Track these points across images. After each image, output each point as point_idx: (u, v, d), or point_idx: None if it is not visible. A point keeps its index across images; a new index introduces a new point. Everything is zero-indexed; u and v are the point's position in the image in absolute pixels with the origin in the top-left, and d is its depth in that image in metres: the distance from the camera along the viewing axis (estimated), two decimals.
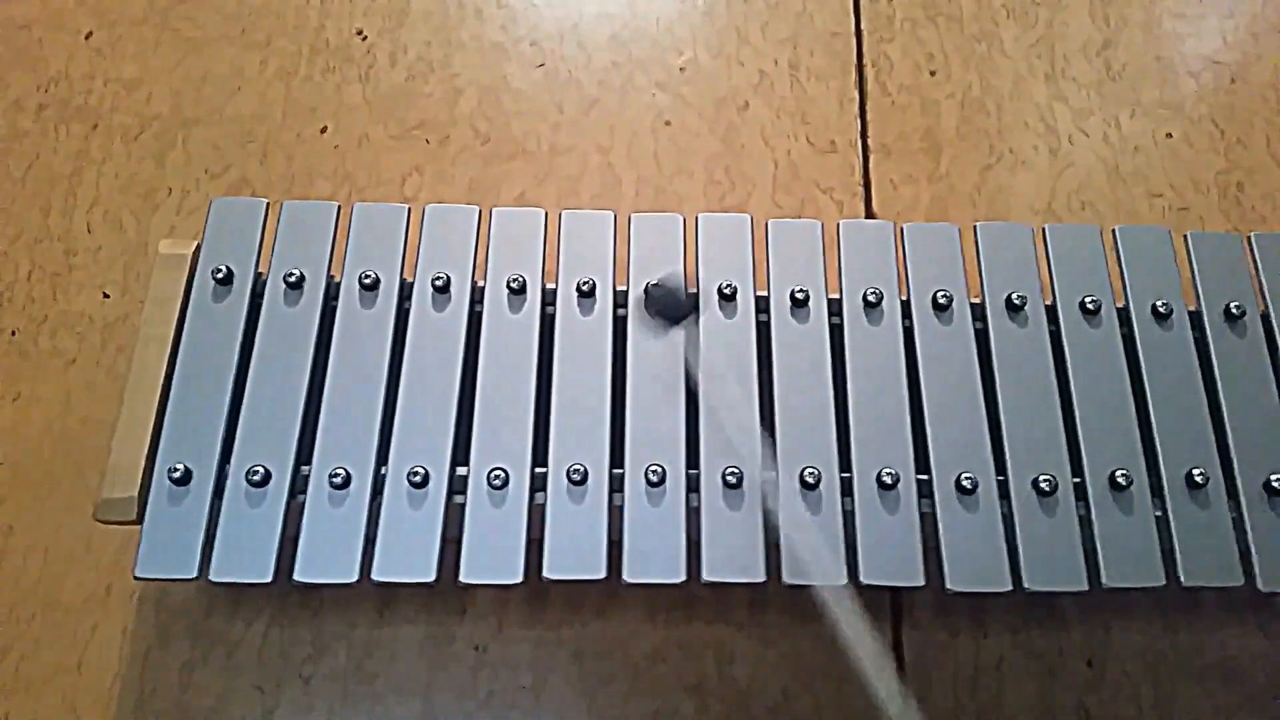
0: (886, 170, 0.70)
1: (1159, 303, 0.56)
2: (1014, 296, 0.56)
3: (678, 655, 0.56)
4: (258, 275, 0.56)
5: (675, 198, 0.69)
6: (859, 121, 0.72)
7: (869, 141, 0.71)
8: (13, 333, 0.65)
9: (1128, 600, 0.58)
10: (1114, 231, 0.59)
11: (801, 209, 0.69)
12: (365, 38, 0.74)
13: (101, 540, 0.59)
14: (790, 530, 0.50)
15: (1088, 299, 0.56)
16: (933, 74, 0.74)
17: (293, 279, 0.55)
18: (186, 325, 0.54)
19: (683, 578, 0.49)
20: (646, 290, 0.54)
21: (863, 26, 0.76)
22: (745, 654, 0.56)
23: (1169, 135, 0.73)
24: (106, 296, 0.66)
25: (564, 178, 0.70)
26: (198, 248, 0.56)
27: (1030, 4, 0.78)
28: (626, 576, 0.49)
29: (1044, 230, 0.58)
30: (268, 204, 0.57)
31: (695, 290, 0.55)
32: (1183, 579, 0.50)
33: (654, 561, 0.50)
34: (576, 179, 0.70)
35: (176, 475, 0.50)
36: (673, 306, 0.53)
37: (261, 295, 0.55)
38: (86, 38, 0.75)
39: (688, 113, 0.72)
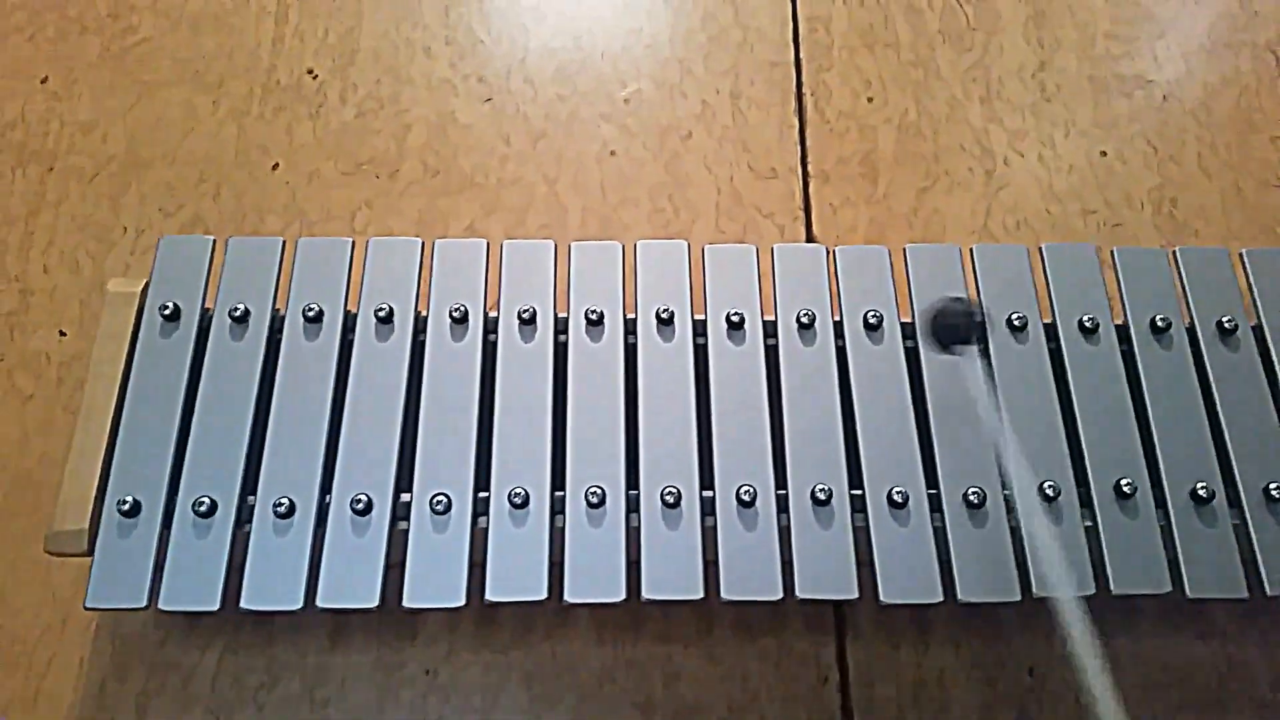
0: (826, 195, 0.72)
1: (1085, 318, 0.58)
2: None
3: (626, 674, 0.57)
4: (204, 311, 0.57)
5: (621, 226, 0.71)
6: (799, 148, 0.74)
7: (809, 167, 0.73)
8: None
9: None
10: (1040, 249, 0.60)
11: (744, 234, 0.70)
12: (316, 77, 0.76)
13: (57, 574, 0.59)
14: (728, 547, 0.51)
15: (1015, 316, 0.58)
16: (870, 100, 0.76)
17: (238, 313, 0.56)
18: (135, 361, 0.55)
19: (623, 596, 0.50)
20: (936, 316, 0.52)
21: (802, 56, 0.78)
22: (692, 672, 0.57)
23: (1103, 153, 0.76)
24: (63, 335, 0.67)
25: (511, 209, 0.72)
26: (146, 285, 0.57)
27: (966, 29, 0.80)
28: (568, 596, 0.50)
29: (972, 250, 0.60)
30: (214, 241, 0.58)
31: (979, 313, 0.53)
32: (1112, 586, 0.52)
33: (595, 580, 0.51)
34: (524, 210, 0.72)
35: (125, 507, 0.51)
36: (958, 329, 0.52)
37: (208, 330, 0.56)
38: (42, 82, 0.76)
39: (633, 143, 0.74)
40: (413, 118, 0.75)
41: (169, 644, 0.58)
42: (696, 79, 0.77)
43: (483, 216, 0.71)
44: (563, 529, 0.52)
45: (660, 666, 0.57)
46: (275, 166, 0.72)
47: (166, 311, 0.56)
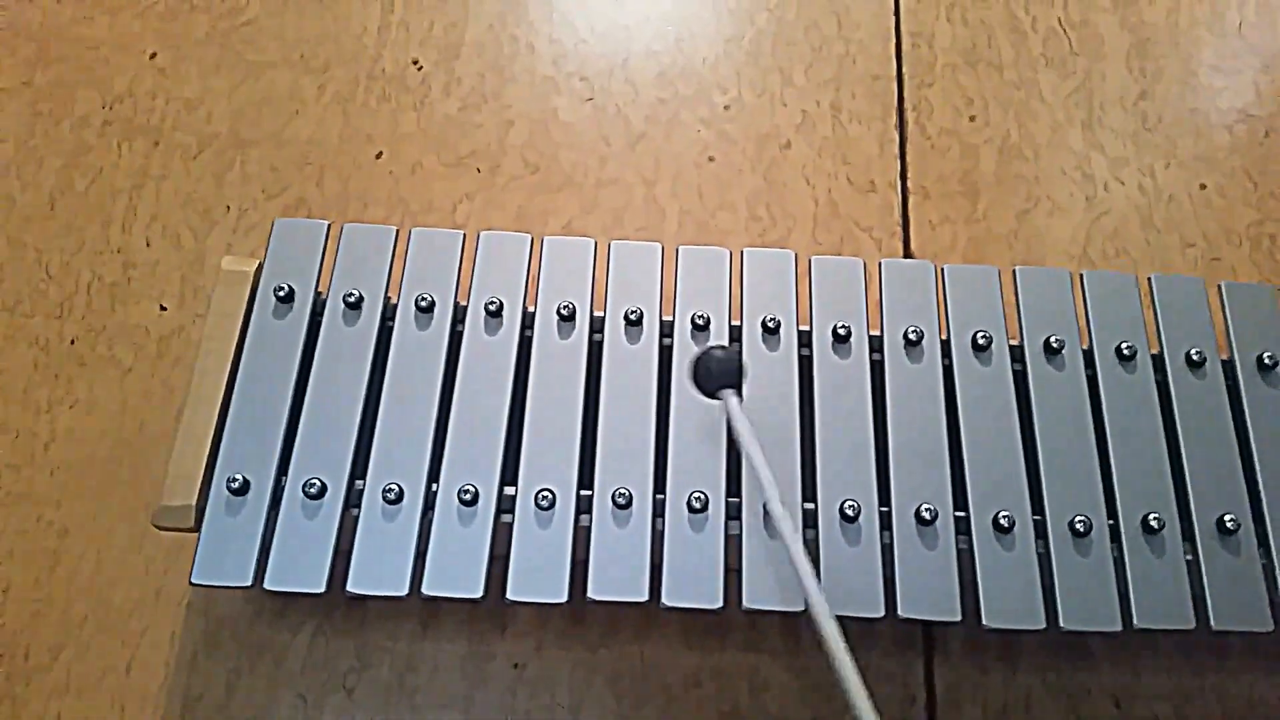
0: (925, 211, 0.72)
1: (1193, 350, 0.58)
2: (1052, 339, 0.57)
3: (712, 681, 0.57)
4: (317, 294, 0.58)
5: (718, 232, 0.71)
6: (899, 163, 0.74)
7: (908, 183, 0.73)
8: (72, 341, 0.67)
9: (1156, 642, 0.59)
10: (1149, 279, 0.60)
11: (841, 247, 0.70)
12: (421, 68, 0.77)
13: (152, 545, 0.60)
14: (831, 561, 0.51)
15: (1124, 344, 0.57)
16: (972, 119, 0.76)
17: (352, 299, 0.56)
18: (248, 340, 0.56)
19: (720, 604, 0.50)
20: (698, 360, 0.52)
21: (904, 71, 0.78)
22: (779, 683, 0.57)
23: (1203, 186, 0.75)
24: (163, 309, 0.68)
25: (609, 209, 0.72)
26: (260, 265, 0.58)
27: (1069, 53, 0.79)
28: (665, 600, 0.51)
29: (1082, 276, 0.59)
30: (329, 225, 0.59)
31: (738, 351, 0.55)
32: (1213, 623, 0.51)
33: (692, 586, 0.51)
34: (621, 211, 0.72)
35: (235, 485, 0.52)
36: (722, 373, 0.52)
37: (321, 314, 0.57)
38: (151, 57, 0.77)
39: (731, 149, 0.74)
40: (515, 114, 0.75)
41: (261, 623, 0.58)
42: (797, 89, 0.77)
43: (581, 215, 0.71)
44: (662, 532, 0.52)
45: (747, 676, 0.57)
46: (379, 155, 0.73)
47: (281, 293, 0.56)
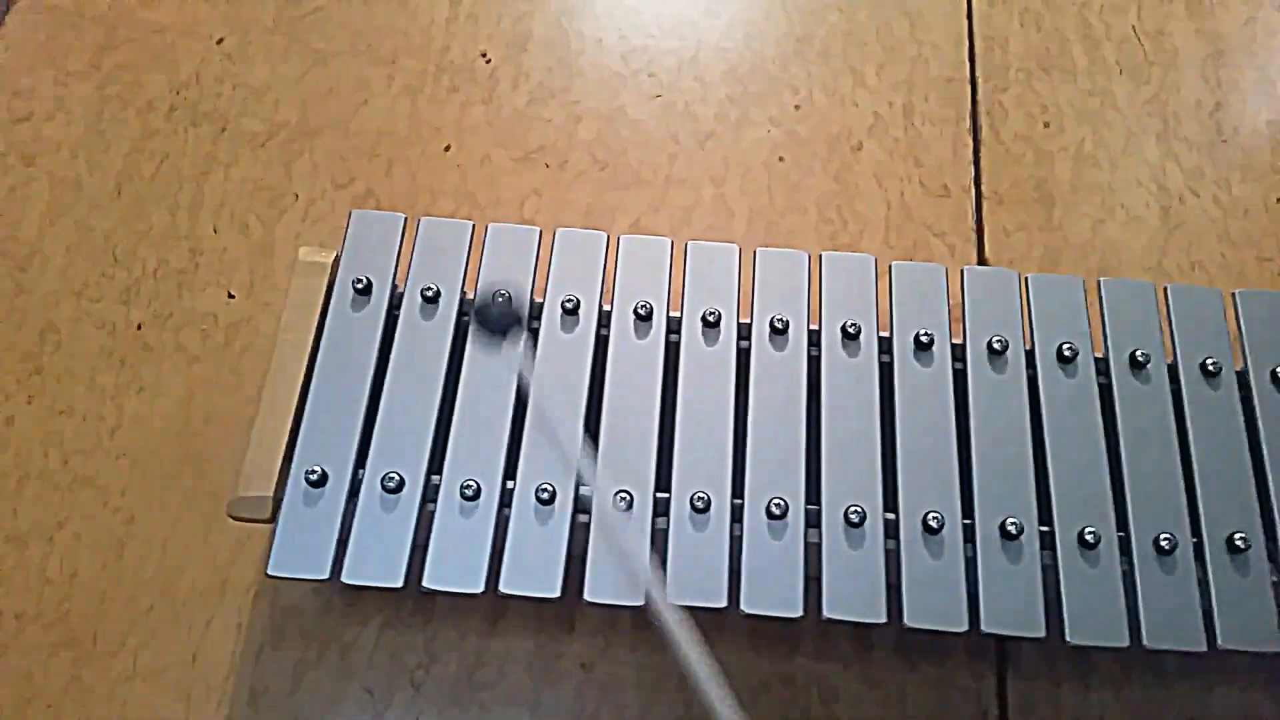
0: (1000, 217, 0.71)
1: (1278, 369, 0.57)
2: (1138, 354, 0.56)
3: (782, 688, 0.56)
4: (394, 287, 0.57)
5: (787, 233, 0.70)
6: (973, 168, 0.73)
7: (982, 188, 0.72)
8: (139, 326, 0.66)
9: (1231, 662, 0.58)
10: (1234, 295, 0.59)
11: (914, 251, 0.69)
12: (489, 60, 0.76)
13: (219, 535, 0.60)
14: (912, 573, 0.51)
15: (1209, 360, 0.56)
16: (1046, 125, 0.75)
17: (429, 293, 0.56)
18: (325, 332, 0.55)
19: (800, 613, 0.50)
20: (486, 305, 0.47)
21: (978, 74, 0.77)
22: (849, 693, 0.56)
23: (1278, 200, 0.74)
24: (231, 297, 0.67)
25: (678, 208, 0.71)
26: (336, 257, 0.58)
27: (1144, 62, 0.78)
28: (744, 607, 0.50)
29: (1166, 289, 0.58)
30: (405, 219, 0.58)
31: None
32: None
33: (772, 593, 0.50)
34: (690, 209, 0.71)
35: (314, 477, 0.51)
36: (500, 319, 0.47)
37: (398, 307, 0.56)
38: (218, 43, 0.77)
39: (801, 150, 0.74)
40: (583, 109, 0.74)
41: (328, 616, 0.58)
42: (869, 90, 0.76)
43: (649, 213, 0.70)
44: (739, 537, 0.52)
45: (817, 684, 0.57)
46: (447, 148, 0.72)
47: (359, 285, 0.56)
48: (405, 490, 0.52)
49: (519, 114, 0.74)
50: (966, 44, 0.78)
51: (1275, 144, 0.76)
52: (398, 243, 0.58)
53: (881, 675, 0.57)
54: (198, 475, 0.62)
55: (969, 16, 0.79)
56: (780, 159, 0.73)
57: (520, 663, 0.57)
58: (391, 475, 0.51)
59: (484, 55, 0.76)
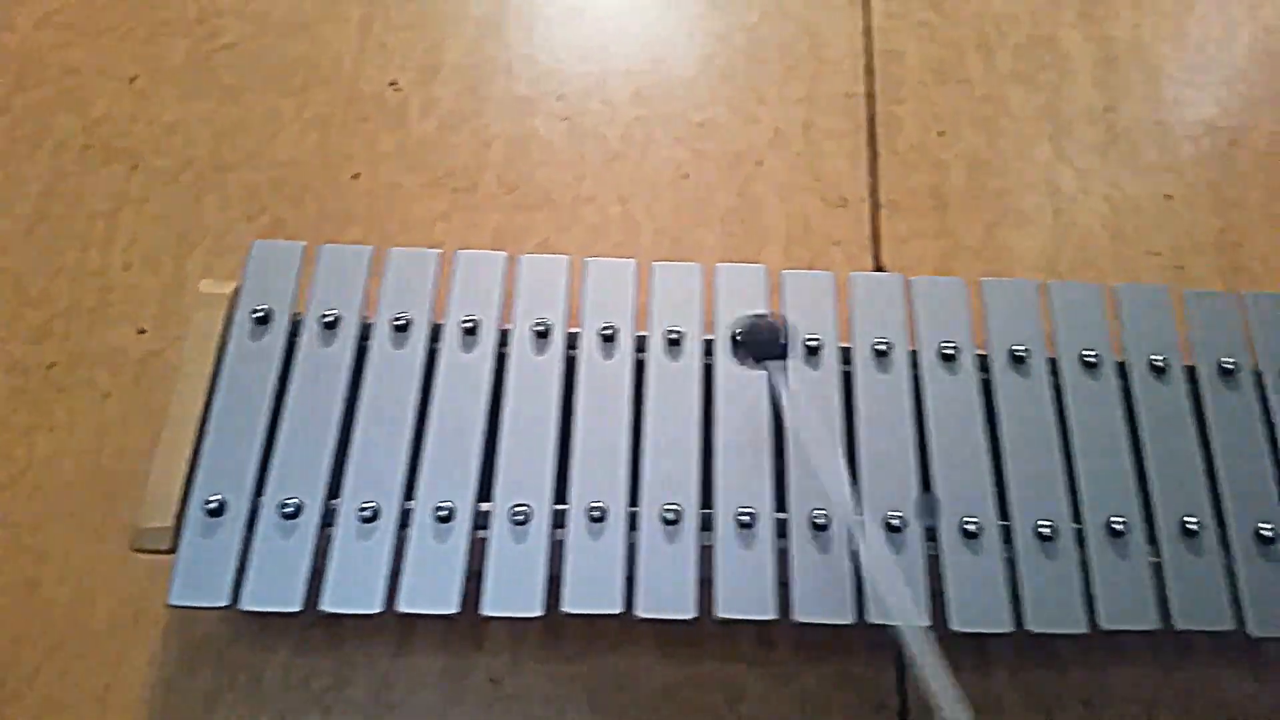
0: (895, 226, 0.73)
1: (1156, 358, 0.59)
2: (1017, 349, 0.58)
3: (689, 691, 0.58)
4: (294, 315, 0.58)
5: (693, 248, 0.72)
6: (870, 178, 0.75)
7: (879, 198, 0.74)
8: (50, 365, 0.67)
9: (1125, 644, 0.59)
10: (1114, 289, 0.61)
11: (814, 261, 0.71)
12: (399, 89, 0.78)
13: (131, 569, 0.60)
14: (800, 569, 0.52)
15: (1087, 353, 0.58)
16: (941, 134, 0.77)
17: (328, 320, 0.57)
18: (225, 362, 0.56)
19: (694, 614, 0.51)
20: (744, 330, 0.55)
21: (875, 88, 0.79)
22: (755, 692, 0.58)
23: (1168, 197, 0.76)
24: (142, 332, 0.68)
25: (586, 227, 0.73)
26: (237, 288, 0.59)
27: (1037, 68, 0.81)
28: (639, 611, 0.51)
29: (1047, 286, 0.60)
30: (305, 247, 0.59)
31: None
32: (1176, 623, 0.52)
33: (666, 597, 0.51)
34: (598, 228, 0.73)
35: (212, 506, 0.52)
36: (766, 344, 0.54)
37: (297, 335, 0.57)
38: (131, 81, 0.78)
39: (706, 167, 0.75)
40: (492, 134, 0.76)
41: (239, 644, 0.58)
42: (770, 107, 0.78)
43: (558, 233, 0.72)
44: (636, 544, 0.53)
45: (722, 685, 0.58)
46: (356, 176, 0.74)
47: (258, 315, 0.57)
48: (303, 515, 0.52)
49: (429, 140, 0.76)
50: (864, 59, 0.80)
51: (1164, 143, 0.79)
52: (297, 271, 0.59)
53: (785, 674, 0.58)
54: (109, 511, 0.62)
55: (867, 33, 0.82)
56: (686, 176, 0.75)
57: (429, 681, 0.57)
58: (289, 501, 0.52)
59: (394, 84, 0.78)
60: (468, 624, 0.59)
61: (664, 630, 0.59)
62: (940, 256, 0.72)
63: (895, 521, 0.53)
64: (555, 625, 0.59)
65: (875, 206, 0.74)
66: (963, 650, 0.59)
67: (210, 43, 0.80)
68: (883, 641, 0.59)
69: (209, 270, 0.70)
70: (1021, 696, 0.58)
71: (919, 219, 0.73)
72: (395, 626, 0.59)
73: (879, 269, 0.72)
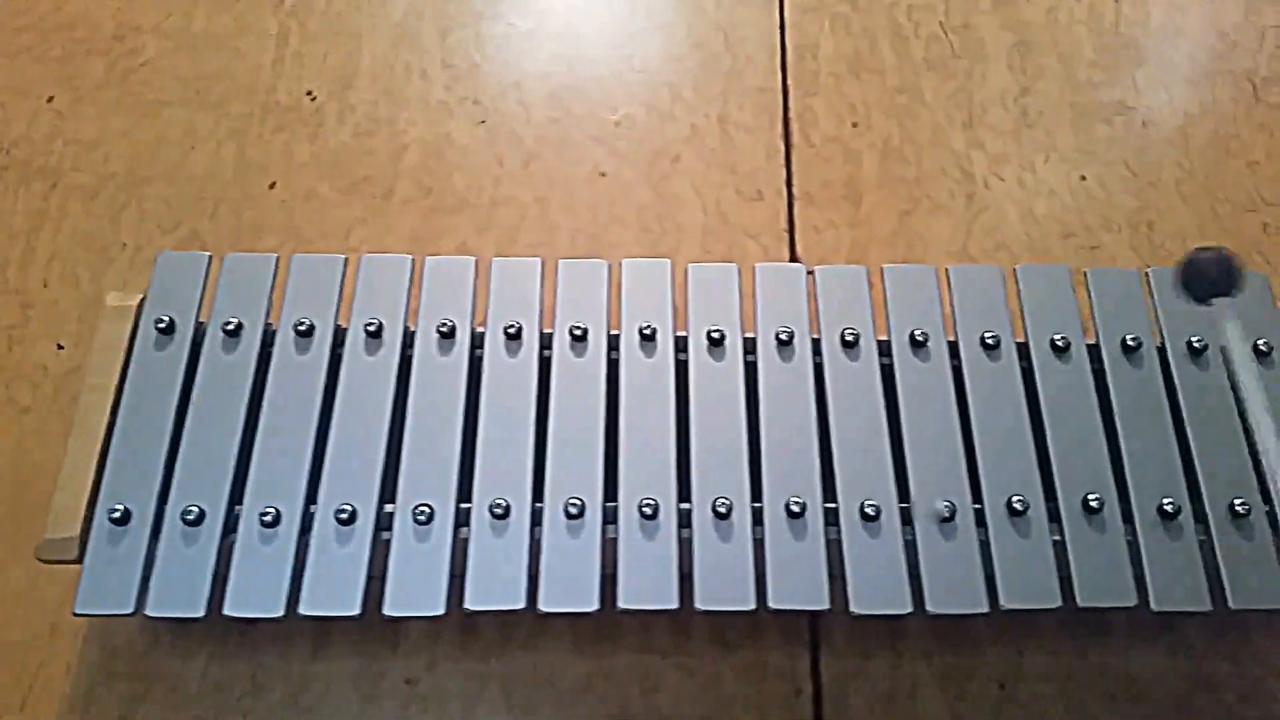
0: (810, 217, 0.74)
1: (1057, 337, 0.59)
2: (918, 333, 0.59)
3: (604, 684, 0.58)
4: (199, 325, 0.59)
5: (610, 246, 0.72)
6: (785, 171, 0.75)
7: (794, 190, 0.75)
8: None
9: (1038, 624, 0.60)
10: (1015, 270, 0.62)
11: (729, 254, 0.72)
12: (315, 98, 0.78)
13: (47, 582, 0.61)
14: (704, 558, 0.53)
15: (988, 335, 0.59)
16: (855, 125, 0.78)
17: (230, 327, 0.57)
18: (129, 373, 0.57)
19: (597, 606, 0.51)
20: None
21: (789, 82, 0.80)
22: (669, 683, 0.58)
23: (1082, 178, 0.77)
24: (61, 348, 0.68)
25: (503, 228, 0.73)
26: (142, 299, 0.59)
27: (951, 57, 0.82)
28: (543, 605, 0.52)
29: (949, 271, 0.61)
30: (210, 256, 0.60)
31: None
32: (1079, 600, 0.53)
33: (571, 590, 0.52)
34: (515, 229, 0.73)
35: (116, 515, 0.52)
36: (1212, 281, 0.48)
37: (201, 344, 0.58)
38: (48, 101, 0.78)
39: (623, 165, 0.76)
40: (409, 139, 0.76)
41: (155, 652, 0.59)
42: (686, 104, 0.79)
43: (475, 235, 0.72)
44: (539, 540, 0.53)
45: (638, 677, 0.58)
46: (272, 185, 0.74)
47: (162, 325, 0.57)
48: (206, 522, 0.53)
49: (345, 148, 0.76)
50: (779, 54, 0.81)
51: (1078, 125, 0.79)
52: (202, 281, 0.59)
53: (699, 664, 0.59)
54: (26, 524, 0.62)
55: (781, 28, 0.82)
56: (602, 174, 0.76)
57: (345, 683, 0.58)
58: (191, 509, 0.53)
59: (310, 94, 0.78)
60: (383, 626, 0.59)
61: (579, 626, 0.59)
62: (854, 246, 0.73)
63: (795, 507, 0.53)
64: (471, 625, 0.59)
65: (790, 199, 0.74)
66: (876, 633, 0.59)
67: (129, 60, 0.80)
68: (797, 628, 0.60)
69: (126, 285, 0.71)
70: (937, 678, 0.59)
71: (834, 209, 0.74)
72: (311, 631, 0.59)
73: (794, 260, 0.72)
